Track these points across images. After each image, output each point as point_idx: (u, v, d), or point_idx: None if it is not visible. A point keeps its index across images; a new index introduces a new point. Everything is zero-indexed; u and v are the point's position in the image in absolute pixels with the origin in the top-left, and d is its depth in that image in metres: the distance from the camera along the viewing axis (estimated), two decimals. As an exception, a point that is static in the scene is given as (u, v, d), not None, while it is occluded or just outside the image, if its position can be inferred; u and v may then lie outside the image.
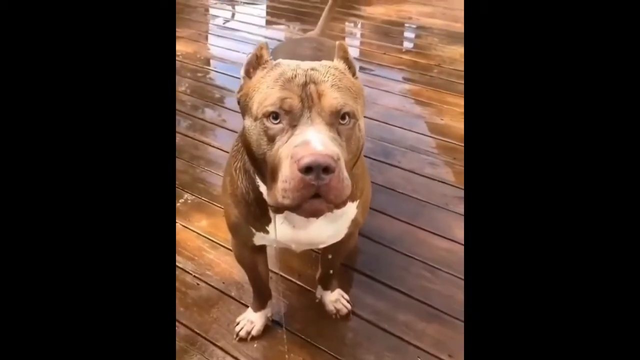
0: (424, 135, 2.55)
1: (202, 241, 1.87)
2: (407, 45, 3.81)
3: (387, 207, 2.03)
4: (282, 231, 1.15)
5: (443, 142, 2.48)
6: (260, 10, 4.47)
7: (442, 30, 3.79)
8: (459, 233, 1.88)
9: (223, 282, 1.71)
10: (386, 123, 2.62)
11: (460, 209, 2.01)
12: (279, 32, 4.00)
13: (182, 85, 3.02)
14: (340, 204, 0.89)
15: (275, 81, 0.93)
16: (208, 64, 3.39)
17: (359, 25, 4.14)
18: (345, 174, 0.88)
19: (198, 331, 1.55)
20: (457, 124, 2.58)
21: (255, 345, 1.51)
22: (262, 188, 1.08)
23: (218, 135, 2.54)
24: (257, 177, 1.08)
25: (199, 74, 3.18)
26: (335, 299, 1.61)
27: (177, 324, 1.56)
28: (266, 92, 0.93)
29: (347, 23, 4.11)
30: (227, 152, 2.28)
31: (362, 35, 4.05)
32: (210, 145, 2.46)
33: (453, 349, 1.50)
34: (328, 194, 0.86)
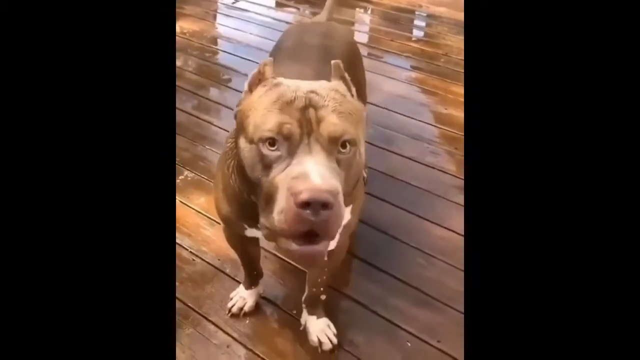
0: (427, 123, 2.54)
1: (200, 218, 1.89)
2: (416, 33, 3.78)
3: (385, 194, 2.04)
4: None
5: (446, 131, 2.47)
6: (270, -9, 4.44)
7: (451, 20, 3.76)
8: (456, 222, 1.89)
9: (219, 259, 1.72)
10: (389, 110, 2.61)
11: (459, 198, 2.01)
12: (288, 14, 3.97)
13: (187, 64, 3.02)
14: (333, 237, 0.87)
15: (274, 103, 0.89)
16: (215, 43, 3.38)
17: (369, 11, 4.11)
18: (343, 208, 0.85)
19: (192, 306, 1.57)
20: (461, 114, 2.58)
21: (247, 322, 1.53)
22: None
23: (222, 115, 2.54)
24: None
25: (206, 54, 3.17)
26: (321, 329, 1.49)
27: (171, 297, 1.59)
28: (263, 114, 0.89)
29: (357, 9, 4.07)
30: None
31: (371, 21, 4.02)
32: (213, 125, 2.46)
33: (442, 334, 1.52)
34: (323, 229, 0.84)
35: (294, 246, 0.86)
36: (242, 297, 1.56)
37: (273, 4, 4.13)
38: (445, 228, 1.89)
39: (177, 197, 1.97)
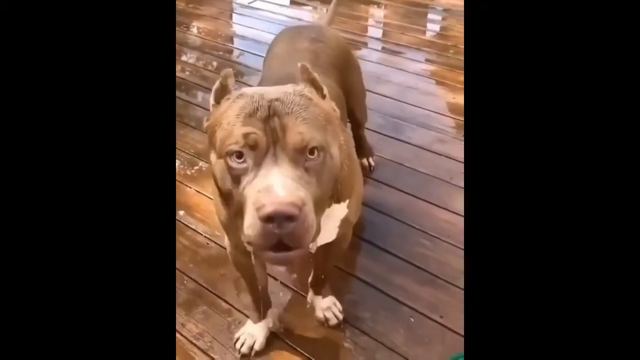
0: (436, 112, 2.59)
1: (213, 206, 1.98)
2: (430, 26, 3.82)
3: (392, 180, 2.10)
4: None
5: (454, 119, 2.52)
6: (285, -10, 4.52)
7: (461, 12, 3.79)
8: (460, 205, 1.94)
9: (231, 243, 1.81)
10: (399, 100, 2.67)
11: (464, 183, 2.06)
12: (303, 12, 4.05)
13: (202, 62, 3.14)
14: (305, 247, 0.88)
15: (237, 116, 0.89)
16: (231, 41, 3.48)
17: (382, 7, 4.16)
18: (312, 217, 0.85)
19: (206, 285, 1.67)
20: (469, 103, 2.61)
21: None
22: None
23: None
24: None
25: (222, 52, 3.28)
26: (327, 306, 1.56)
27: (186, 278, 1.69)
28: (227, 129, 0.89)
29: (371, 5, 4.13)
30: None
31: (385, 16, 4.08)
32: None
33: (445, 310, 1.58)
34: (291, 241, 0.84)
35: (268, 254, 0.87)
36: (251, 334, 1.49)
37: (287, 3, 4.22)
38: (449, 211, 1.94)
39: (192, 186, 2.08)
